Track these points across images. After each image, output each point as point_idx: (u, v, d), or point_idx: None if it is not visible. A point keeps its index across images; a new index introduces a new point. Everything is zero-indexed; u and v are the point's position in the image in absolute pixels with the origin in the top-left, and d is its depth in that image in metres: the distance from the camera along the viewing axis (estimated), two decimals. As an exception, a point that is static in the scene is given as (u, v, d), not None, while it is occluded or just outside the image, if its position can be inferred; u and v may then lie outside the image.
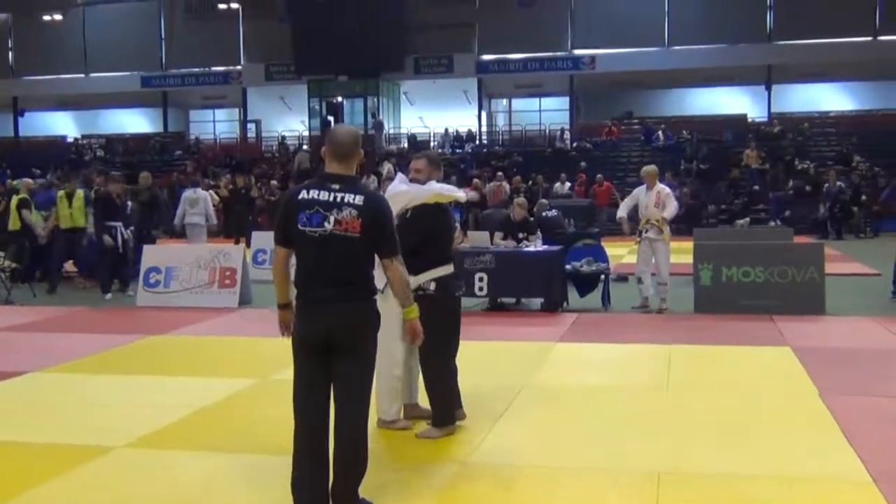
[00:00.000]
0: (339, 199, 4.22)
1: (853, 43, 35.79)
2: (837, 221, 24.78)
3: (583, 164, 29.01)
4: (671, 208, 11.17)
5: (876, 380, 7.30)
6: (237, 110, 43.59)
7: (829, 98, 39.59)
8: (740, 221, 25.40)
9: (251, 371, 7.72)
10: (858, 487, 4.72)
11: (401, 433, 5.87)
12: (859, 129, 33.88)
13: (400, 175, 6.17)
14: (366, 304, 4.30)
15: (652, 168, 11.57)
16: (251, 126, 42.66)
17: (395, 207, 5.55)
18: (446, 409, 5.82)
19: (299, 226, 4.22)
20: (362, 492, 4.38)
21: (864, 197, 25.91)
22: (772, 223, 25.01)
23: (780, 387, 7.11)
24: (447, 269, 5.83)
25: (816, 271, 10.78)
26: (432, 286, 5.74)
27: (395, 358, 5.86)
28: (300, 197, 4.27)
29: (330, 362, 4.24)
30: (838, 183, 25.50)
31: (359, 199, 4.24)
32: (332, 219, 4.19)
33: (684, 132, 34.24)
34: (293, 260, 4.34)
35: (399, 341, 5.76)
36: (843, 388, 6.89)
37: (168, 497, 4.77)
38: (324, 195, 4.24)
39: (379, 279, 5.78)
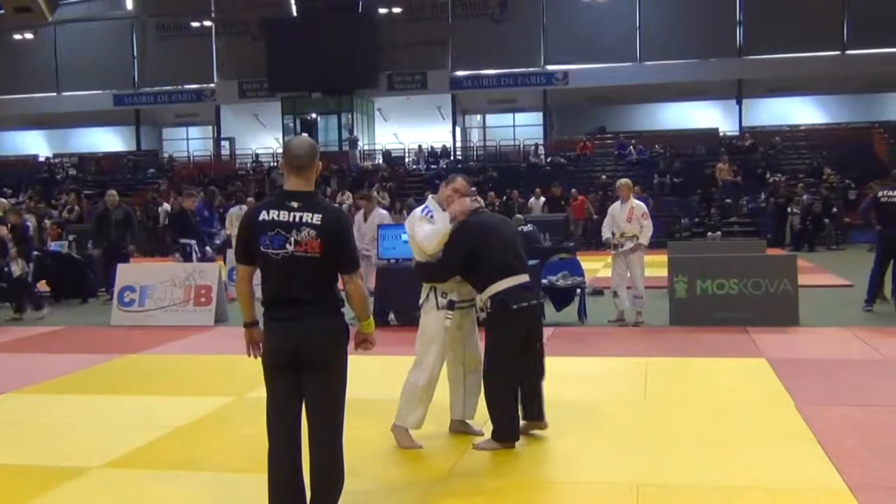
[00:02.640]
0: (297, 219, 4.17)
1: (822, 57, 36.31)
2: (809, 234, 25.04)
3: (556, 183, 28.98)
4: (647, 232, 11.25)
5: (851, 390, 7.36)
6: (210, 128, 43.57)
7: (800, 112, 40.13)
8: (712, 234, 25.59)
9: (227, 389, 7.67)
10: (835, 498, 4.75)
11: (392, 448, 5.83)
12: (829, 142, 34.31)
13: (430, 203, 5.94)
14: (333, 319, 4.26)
15: (626, 181, 11.64)
16: (225, 143, 42.58)
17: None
18: (502, 425, 5.73)
19: (261, 248, 4.19)
20: (342, 508, 4.37)
21: (834, 209, 26.20)
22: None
23: (756, 398, 7.15)
24: (508, 282, 5.69)
25: (790, 283, 10.87)
26: (489, 304, 5.74)
27: (426, 366, 5.83)
28: (260, 218, 4.22)
29: (301, 379, 4.22)
30: (805, 196, 25.79)
31: (317, 219, 4.18)
32: (292, 240, 4.15)
33: (657, 146, 34.53)
34: (258, 277, 4.32)
35: (433, 352, 5.82)
36: (818, 399, 6.95)
37: (145, 517, 4.72)
38: (283, 215, 4.19)
39: (421, 295, 5.86)
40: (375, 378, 7.95)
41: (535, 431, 5.97)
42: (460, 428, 6.12)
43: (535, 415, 5.93)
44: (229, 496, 4.93)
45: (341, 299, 4.31)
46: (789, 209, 25.93)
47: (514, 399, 5.78)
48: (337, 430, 4.33)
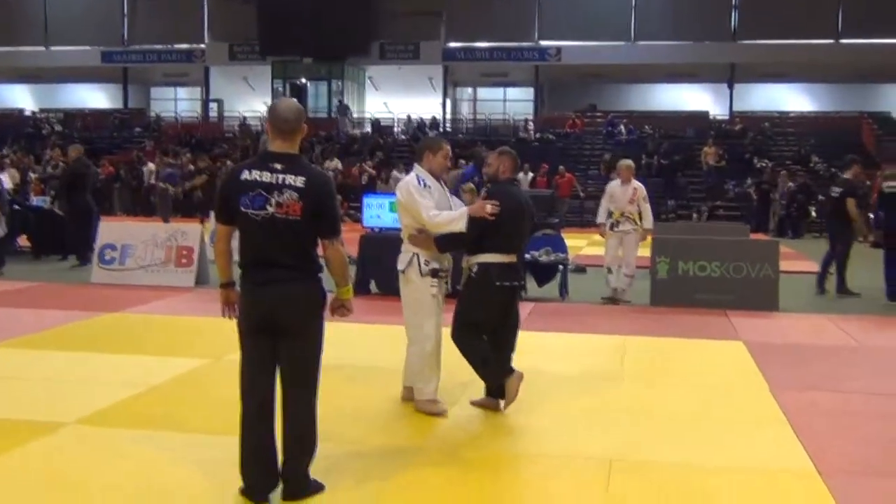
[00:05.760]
0: (280, 181, 4.13)
1: (815, 45, 36.31)
2: (793, 220, 25.14)
3: (544, 165, 28.97)
4: (648, 216, 11.32)
5: (825, 375, 7.43)
6: (199, 89, 43.15)
7: (790, 98, 40.16)
8: (696, 215, 25.65)
9: (205, 351, 7.66)
10: (804, 480, 4.79)
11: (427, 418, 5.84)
12: (818, 130, 34.38)
13: (420, 172, 5.95)
14: (310, 284, 4.23)
15: (628, 162, 11.63)
16: (213, 105, 42.22)
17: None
18: (491, 372, 5.86)
19: (241, 207, 4.15)
20: (313, 473, 4.38)
21: (821, 197, 26.26)
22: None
23: (731, 380, 7.20)
24: (499, 258, 5.78)
25: (771, 268, 10.92)
26: (475, 269, 5.80)
27: (427, 335, 5.84)
28: (242, 177, 4.18)
29: (276, 343, 4.21)
30: (790, 183, 25.87)
31: (300, 181, 4.15)
32: (273, 201, 4.11)
33: (646, 127, 34.53)
34: (236, 238, 4.29)
35: (430, 319, 5.85)
36: (792, 383, 7.00)
37: (117, 474, 4.71)
38: (266, 176, 4.15)
39: (400, 261, 5.84)
40: (356, 345, 7.98)
41: (503, 410, 5.98)
42: (410, 395, 6.11)
43: (496, 392, 5.98)
44: (202, 457, 4.93)
45: (320, 265, 4.29)
46: (773, 195, 26.01)
47: (487, 348, 5.88)
48: (311, 395, 4.33)
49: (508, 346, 6.06)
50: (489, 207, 5.67)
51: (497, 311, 5.90)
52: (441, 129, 37.36)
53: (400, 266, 5.95)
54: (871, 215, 14.14)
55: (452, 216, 5.76)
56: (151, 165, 29.54)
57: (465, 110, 43.03)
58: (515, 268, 5.93)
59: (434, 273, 5.86)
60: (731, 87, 38.48)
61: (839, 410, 6.26)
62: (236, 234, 4.28)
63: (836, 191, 12.51)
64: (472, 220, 5.69)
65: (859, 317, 10.45)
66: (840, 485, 4.67)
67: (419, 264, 5.85)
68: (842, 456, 5.22)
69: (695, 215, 25.65)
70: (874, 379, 7.31)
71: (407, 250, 5.92)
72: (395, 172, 25.29)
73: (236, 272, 4.34)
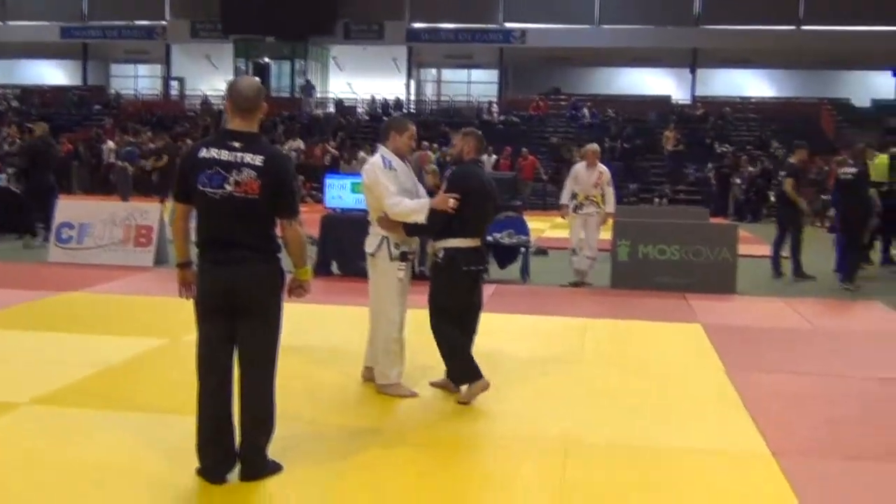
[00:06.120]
0: (238, 159, 4.10)
1: (777, 31, 36.64)
2: (753, 205, 25.41)
3: (508, 148, 29.04)
4: (611, 199, 11.37)
5: (780, 358, 7.53)
6: (160, 66, 42.56)
7: (751, 84, 40.51)
8: (657, 199, 25.84)
9: (163, 331, 7.59)
10: (757, 461, 4.86)
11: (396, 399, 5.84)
12: (779, 116, 34.71)
13: (385, 153, 5.88)
14: (268, 264, 4.20)
15: (594, 147, 11.67)
16: (174, 84, 41.69)
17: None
18: (457, 367, 5.81)
19: (199, 186, 4.11)
20: (271, 453, 4.38)
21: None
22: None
23: (689, 363, 7.28)
24: (465, 243, 5.75)
25: (729, 252, 11.04)
26: (441, 254, 5.76)
27: (392, 319, 5.81)
28: (200, 155, 4.14)
29: (233, 324, 4.18)
30: (750, 168, 26.15)
31: (258, 160, 4.11)
32: (231, 180, 4.08)
33: (610, 111, 34.63)
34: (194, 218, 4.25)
35: (395, 304, 5.81)
36: (748, 365, 7.09)
37: (73, 454, 4.67)
38: (224, 154, 4.11)
39: (369, 244, 5.80)
40: (317, 326, 7.95)
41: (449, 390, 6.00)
42: (370, 375, 6.10)
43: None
44: (159, 437, 4.90)
45: (279, 244, 4.26)
46: (734, 180, 26.27)
47: (461, 340, 5.84)
48: (269, 376, 4.31)
49: (471, 329, 6.04)
50: (451, 202, 5.63)
51: (464, 295, 5.89)
52: (405, 111, 37.23)
53: (369, 249, 5.90)
54: (824, 197, 14.41)
55: (414, 207, 5.69)
56: (111, 143, 29.13)
57: (430, 92, 42.89)
58: (480, 251, 5.93)
59: (403, 257, 5.84)
60: (693, 72, 38.73)
61: (793, 392, 6.35)
62: (195, 213, 4.24)
63: (782, 175, 12.76)
64: (434, 213, 5.67)
65: (814, 300, 10.61)
66: (793, 465, 4.75)
67: (389, 248, 5.81)
68: (795, 437, 5.31)
69: (657, 199, 25.85)
70: (828, 361, 7.42)
71: (375, 233, 5.87)
72: (361, 154, 25.15)
73: (194, 252, 4.30)
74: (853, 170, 11.91)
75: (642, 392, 6.25)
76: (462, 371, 5.81)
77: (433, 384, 6.12)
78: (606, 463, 4.79)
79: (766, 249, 13.70)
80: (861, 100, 37.72)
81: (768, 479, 4.61)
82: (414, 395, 5.91)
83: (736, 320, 9.25)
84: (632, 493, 4.40)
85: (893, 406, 6.12)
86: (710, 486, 4.51)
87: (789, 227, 12.37)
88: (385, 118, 35.03)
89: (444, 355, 5.87)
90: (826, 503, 4.29)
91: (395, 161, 5.86)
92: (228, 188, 4.09)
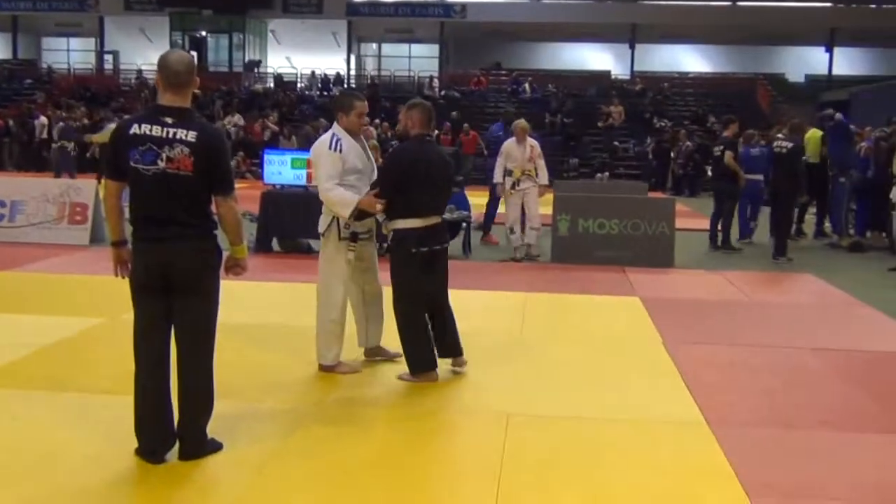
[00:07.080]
0: (171, 135, 4.02)
1: (714, 7, 37.15)
2: (690, 179, 25.76)
3: (454, 113, 29.05)
4: (544, 171, 11.47)
5: (716, 329, 7.68)
6: (94, 40, 41.58)
7: (689, 60, 41.03)
8: (600, 175, 26.05)
9: (99, 310, 7.47)
10: (693, 430, 4.97)
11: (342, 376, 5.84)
12: (715, 91, 35.22)
13: (337, 131, 5.72)
14: (203, 241, 4.15)
15: (524, 122, 11.72)
16: (108, 57, 40.76)
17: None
18: (415, 356, 5.72)
19: (131, 162, 4.04)
20: (210, 432, 4.35)
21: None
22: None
23: (627, 335, 7.38)
24: (417, 223, 5.61)
25: (667, 226, 11.19)
26: (391, 236, 5.68)
27: (333, 301, 5.76)
28: (132, 132, 4.05)
29: (170, 302, 4.13)
30: (687, 143, 26.49)
31: (191, 136, 4.04)
32: (164, 156, 4.01)
33: (550, 86, 34.75)
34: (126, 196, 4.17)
35: (339, 285, 5.76)
36: (685, 337, 7.22)
37: (8, 436, 4.59)
38: (156, 130, 4.04)
39: (321, 223, 5.73)
40: (256, 303, 7.90)
41: (456, 368, 5.97)
42: (374, 354, 6.14)
43: (450, 349, 5.91)
44: (96, 417, 4.83)
45: (214, 221, 4.21)
46: (672, 154, 26.60)
47: (424, 329, 5.76)
48: (207, 355, 4.27)
49: (440, 308, 5.89)
50: (378, 206, 5.56)
51: (419, 276, 5.69)
52: (345, 85, 36.93)
53: (320, 228, 5.83)
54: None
55: (340, 200, 5.58)
56: (44, 119, 28.43)
57: (370, 66, 42.59)
58: (437, 229, 5.77)
59: (354, 237, 5.74)
60: (632, 48, 39.03)
61: (728, 363, 6.49)
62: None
63: (718, 149, 13.05)
64: (379, 178, 5.64)
65: (750, 273, 10.82)
66: (726, 434, 4.86)
67: (338, 228, 5.74)
68: (729, 406, 5.43)
69: (598, 175, 26.04)
70: (762, 332, 7.58)
71: (327, 213, 5.79)
72: (307, 128, 24.77)
73: (129, 230, 4.23)
74: (788, 143, 12.12)
75: (582, 364, 6.33)
76: (414, 359, 5.75)
77: (367, 356, 6.15)
78: (547, 432, 4.86)
79: (704, 223, 13.95)
80: (796, 75, 38.43)
81: (703, 447, 4.71)
82: (356, 371, 5.91)
83: (673, 293, 9.39)
84: (570, 462, 4.46)
85: (826, 376, 6.29)
86: (647, 455, 4.59)
87: (726, 197, 12.62)
88: (325, 93, 34.88)
89: (401, 339, 5.79)
90: (759, 470, 4.39)
91: (346, 140, 5.71)
92: (161, 164, 4.02)
